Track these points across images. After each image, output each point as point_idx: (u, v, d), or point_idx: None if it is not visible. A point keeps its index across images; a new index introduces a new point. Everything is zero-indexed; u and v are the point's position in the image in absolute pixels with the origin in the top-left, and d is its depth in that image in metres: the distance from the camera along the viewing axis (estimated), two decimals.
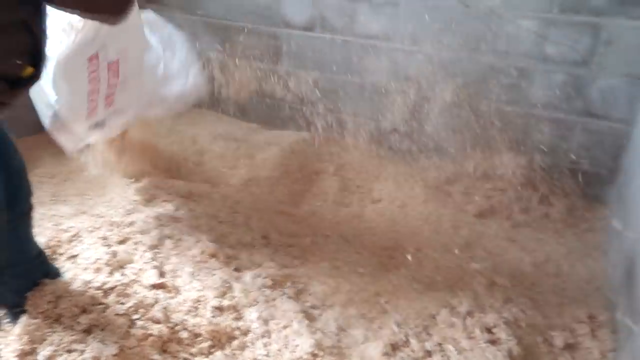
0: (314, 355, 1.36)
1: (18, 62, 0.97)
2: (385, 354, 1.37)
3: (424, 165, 2.31)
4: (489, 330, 1.42)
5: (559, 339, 1.42)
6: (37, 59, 1.01)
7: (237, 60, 2.66)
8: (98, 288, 1.49)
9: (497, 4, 1.94)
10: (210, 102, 2.88)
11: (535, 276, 1.67)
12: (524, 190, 2.05)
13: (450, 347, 1.39)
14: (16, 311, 1.37)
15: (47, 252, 1.67)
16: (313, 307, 1.54)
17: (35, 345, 1.36)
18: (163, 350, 1.36)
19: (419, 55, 2.17)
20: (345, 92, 2.45)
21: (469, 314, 1.48)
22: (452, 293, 1.58)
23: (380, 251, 1.80)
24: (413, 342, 1.40)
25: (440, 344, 1.41)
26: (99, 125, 1.77)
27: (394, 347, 1.40)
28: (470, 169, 2.18)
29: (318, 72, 2.48)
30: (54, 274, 1.48)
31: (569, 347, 1.41)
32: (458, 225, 1.91)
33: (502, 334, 1.39)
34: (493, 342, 1.38)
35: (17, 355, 1.33)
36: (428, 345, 1.39)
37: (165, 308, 1.45)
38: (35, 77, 1.02)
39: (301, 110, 2.64)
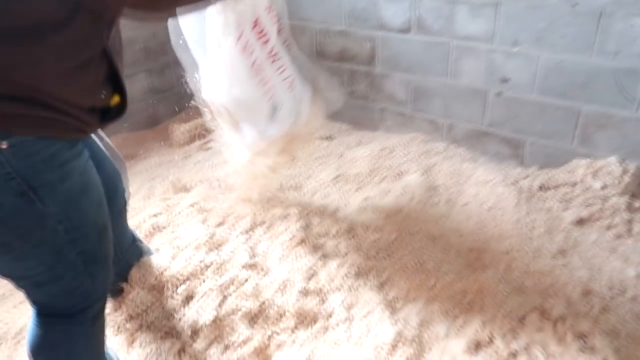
0: (394, 345, 1.38)
1: (104, 93, 0.93)
2: (468, 351, 1.35)
3: (518, 171, 2.23)
4: (582, 338, 1.34)
5: None
6: (118, 84, 0.97)
7: (330, 62, 2.75)
8: (196, 264, 1.62)
9: (607, 2, 1.84)
10: None
11: (638, 289, 1.55)
12: (630, 200, 1.91)
13: (537, 351, 1.34)
14: (116, 289, 1.53)
15: (156, 231, 1.86)
16: (395, 299, 1.55)
17: (140, 310, 1.51)
18: (251, 324, 1.45)
19: (519, 56, 2.11)
20: (439, 94, 2.44)
21: (561, 319, 1.42)
22: (543, 298, 1.52)
23: (466, 252, 1.77)
24: (498, 341, 1.37)
25: (527, 347, 1.36)
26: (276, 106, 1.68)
27: (477, 346, 1.38)
28: (569, 176, 2.08)
29: (412, 73, 2.49)
30: (148, 253, 1.63)
31: None
32: (552, 231, 1.82)
33: (597, 342, 1.31)
34: (586, 349, 1.30)
35: (125, 319, 1.49)
36: (514, 347, 1.35)
37: (255, 286, 1.54)
38: (123, 106, 0.99)
39: (393, 111, 2.66)
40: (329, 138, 2.69)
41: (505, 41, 2.13)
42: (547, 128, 2.17)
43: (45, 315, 1.08)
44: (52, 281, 0.99)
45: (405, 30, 2.41)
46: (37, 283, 0.99)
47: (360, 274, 1.63)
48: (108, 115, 0.98)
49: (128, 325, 1.50)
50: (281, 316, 1.47)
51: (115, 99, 0.97)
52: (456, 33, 2.26)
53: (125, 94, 0.98)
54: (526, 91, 2.15)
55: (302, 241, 1.73)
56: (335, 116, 2.91)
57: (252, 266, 1.63)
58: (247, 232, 1.80)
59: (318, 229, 1.84)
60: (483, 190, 2.10)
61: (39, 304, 1.06)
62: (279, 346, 1.40)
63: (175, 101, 3.06)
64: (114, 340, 1.47)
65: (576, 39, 1.96)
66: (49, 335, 1.09)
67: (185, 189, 2.15)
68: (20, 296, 1.63)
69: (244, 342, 1.39)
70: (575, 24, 1.94)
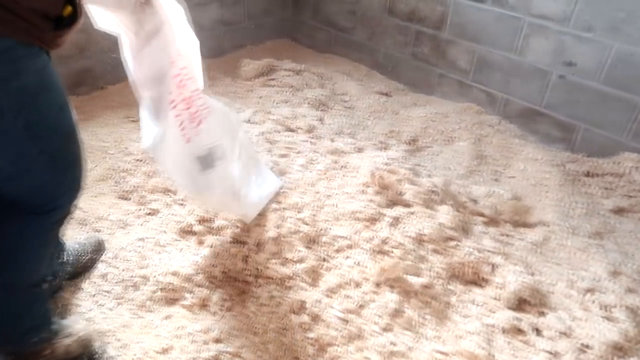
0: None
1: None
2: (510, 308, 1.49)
3: (566, 154, 2.30)
4: (607, 309, 1.47)
5: None
6: None
7: (399, 20, 2.80)
8: None
9: None
10: (367, 56, 3.07)
11: None
12: None
13: (563, 314, 1.47)
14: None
15: None
16: None
17: (210, 216, 1.67)
18: (307, 246, 1.60)
19: (591, 42, 2.14)
20: (501, 68, 2.49)
21: (589, 291, 1.53)
22: (575, 270, 1.63)
23: (502, 220, 1.87)
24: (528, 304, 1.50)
25: (554, 309, 1.49)
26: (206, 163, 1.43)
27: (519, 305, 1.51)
28: (616, 167, 2.14)
29: (478, 44, 2.53)
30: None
31: None
32: (591, 215, 1.92)
33: (621, 315, 1.43)
34: (610, 319, 1.43)
35: (197, 221, 1.65)
36: (542, 309, 1.48)
37: (312, 215, 1.68)
38: (75, 16, 1.00)
39: (451, 78, 2.72)
40: (387, 95, 2.77)
41: (580, 25, 2.15)
42: (603, 118, 2.22)
43: (7, 207, 1.10)
44: (18, 176, 1.04)
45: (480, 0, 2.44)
46: (5, 177, 1.03)
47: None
48: (61, 23, 0.98)
49: (198, 228, 1.67)
50: (334, 241, 1.61)
51: (68, 9, 0.98)
52: (531, 10, 2.28)
53: (77, 5, 1.00)
54: (590, 78, 2.20)
55: (367, 185, 1.81)
56: (393, 74, 2.98)
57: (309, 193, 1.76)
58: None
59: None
60: (530, 167, 2.19)
61: (6, 198, 1.08)
62: (329, 269, 1.55)
63: (241, 36, 3.15)
64: (183, 241, 1.65)
65: None
66: (3, 225, 1.12)
67: (253, 121, 2.28)
68: None
69: (300, 260, 1.55)
70: None
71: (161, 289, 1.50)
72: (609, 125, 2.22)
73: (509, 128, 2.52)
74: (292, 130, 2.22)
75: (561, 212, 1.90)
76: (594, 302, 1.49)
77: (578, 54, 2.20)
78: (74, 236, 1.70)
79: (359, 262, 1.55)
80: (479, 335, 1.37)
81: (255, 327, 1.42)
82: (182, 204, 1.80)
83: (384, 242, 1.58)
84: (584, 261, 1.68)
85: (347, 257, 1.57)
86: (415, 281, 1.49)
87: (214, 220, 1.67)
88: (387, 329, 1.40)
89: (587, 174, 2.17)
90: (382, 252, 1.56)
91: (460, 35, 2.59)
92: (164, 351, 1.35)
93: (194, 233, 1.68)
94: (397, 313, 1.43)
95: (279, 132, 2.16)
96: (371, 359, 1.33)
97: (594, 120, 2.26)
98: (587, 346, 1.37)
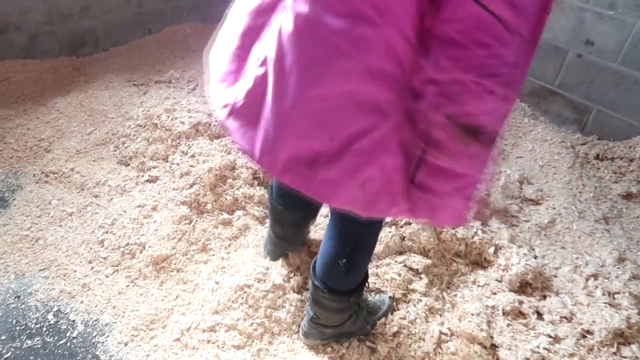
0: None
1: None
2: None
3: (577, 136, 2.25)
4: (611, 295, 1.44)
5: None
6: None
7: None
8: None
9: None
10: None
11: None
12: None
13: (566, 298, 1.45)
14: None
15: None
16: None
17: None
18: None
19: (611, 21, 2.06)
20: None
21: (593, 276, 1.51)
22: (580, 255, 1.60)
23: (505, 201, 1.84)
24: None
25: (557, 292, 1.46)
26: None
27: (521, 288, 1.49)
28: (628, 151, 2.09)
29: None
30: None
31: None
32: (600, 199, 1.88)
33: (624, 302, 1.41)
34: (613, 305, 1.40)
35: None
36: (544, 292, 1.46)
37: None
38: None
39: None
40: None
41: (602, 2, 2.07)
42: (618, 100, 2.15)
43: None
44: None
45: None
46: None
47: None
48: None
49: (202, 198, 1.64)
50: None
51: None
52: None
53: None
54: (609, 58, 2.12)
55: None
56: None
57: None
58: None
59: None
60: (539, 148, 2.14)
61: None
62: None
63: None
64: (183, 207, 1.62)
65: None
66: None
67: None
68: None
69: None
70: None
71: (157, 258, 1.48)
72: (624, 107, 2.15)
73: (519, 107, 2.45)
74: None
75: (569, 195, 1.86)
76: (597, 287, 1.46)
77: (597, 33, 2.12)
78: (71, 200, 1.67)
79: None
80: (479, 317, 1.35)
81: None
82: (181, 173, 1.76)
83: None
84: (589, 246, 1.65)
85: None
86: (420, 258, 1.47)
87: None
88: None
89: (598, 157, 2.12)
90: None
91: None
92: (159, 320, 1.34)
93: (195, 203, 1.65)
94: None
95: None
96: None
97: (608, 102, 2.19)
98: (588, 331, 1.35)
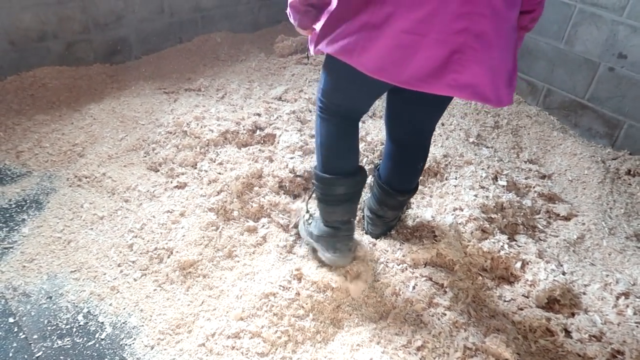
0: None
1: None
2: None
3: (607, 151, 2.21)
4: None
5: None
6: None
7: None
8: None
9: None
10: None
11: None
12: None
13: (596, 316, 1.41)
14: None
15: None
16: None
17: None
18: None
19: None
20: (546, 57, 2.38)
21: (624, 295, 1.47)
22: (610, 272, 1.57)
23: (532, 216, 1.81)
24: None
25: (586, 310, 1.43)
26: None
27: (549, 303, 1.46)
28: None
29: None
30: None
31: None
32: (631, 215, 1.84)
33: None
34: None
35: None
36: (573, 310, 1.43)
37: None
38: None
39: None
40: None
41: (635, 15, 2.03)
42: None
43: None
44: None
45: None
46: None
47: None
48: None
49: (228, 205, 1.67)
50: None
51: None
52: None
53: None
54: None
55: None
56: None
57: None
58: None
59: None
60: (568, 162, 2.10)
61: None
62: None
63: (277, 11, 3.10)
64: (210, 214, 1.64)
65: None
66: None
67: (284, 99, 2.24)
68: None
69: None
70: None
71: (185, 263, 1.50)
72: None
73: (549, 120, 2.42)
74: None
75: (599, 211, 1.82)
76: (628, 306, 1.43)
77: (630, 46, 2.08)
78: (102, 204, 1.72)
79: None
80: (505, 332, 1.33)
81: None
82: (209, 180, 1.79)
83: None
84: (620, 263, 1.62)
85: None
86: (445, 272, 1.46)
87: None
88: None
89: (629, 173, 2.08)
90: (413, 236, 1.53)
91: None
92: (185, 324, 1.36)
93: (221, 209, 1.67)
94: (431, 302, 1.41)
95: (311, 111, 2.13)
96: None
97: None
98: (618, 352, 1.32)
